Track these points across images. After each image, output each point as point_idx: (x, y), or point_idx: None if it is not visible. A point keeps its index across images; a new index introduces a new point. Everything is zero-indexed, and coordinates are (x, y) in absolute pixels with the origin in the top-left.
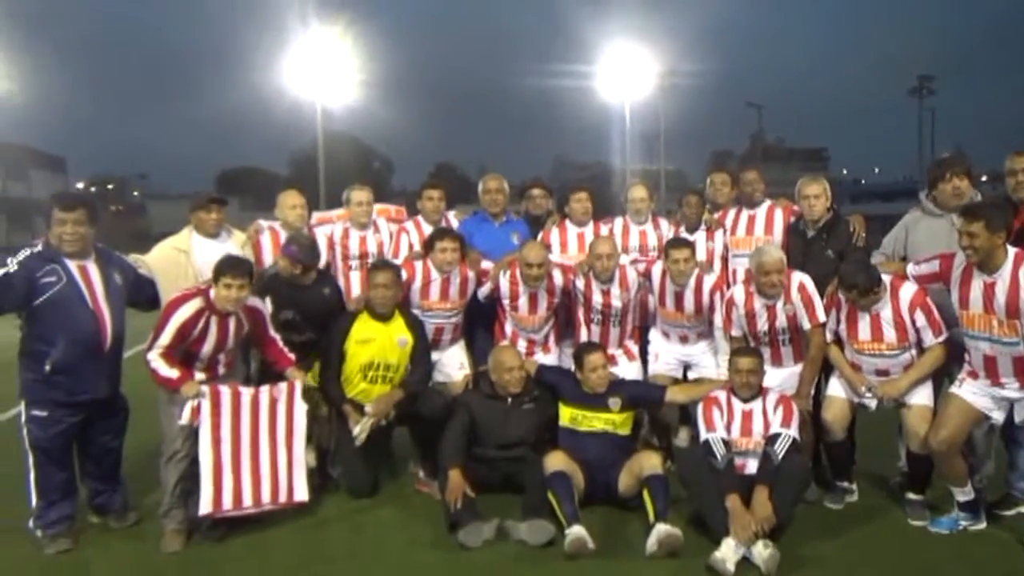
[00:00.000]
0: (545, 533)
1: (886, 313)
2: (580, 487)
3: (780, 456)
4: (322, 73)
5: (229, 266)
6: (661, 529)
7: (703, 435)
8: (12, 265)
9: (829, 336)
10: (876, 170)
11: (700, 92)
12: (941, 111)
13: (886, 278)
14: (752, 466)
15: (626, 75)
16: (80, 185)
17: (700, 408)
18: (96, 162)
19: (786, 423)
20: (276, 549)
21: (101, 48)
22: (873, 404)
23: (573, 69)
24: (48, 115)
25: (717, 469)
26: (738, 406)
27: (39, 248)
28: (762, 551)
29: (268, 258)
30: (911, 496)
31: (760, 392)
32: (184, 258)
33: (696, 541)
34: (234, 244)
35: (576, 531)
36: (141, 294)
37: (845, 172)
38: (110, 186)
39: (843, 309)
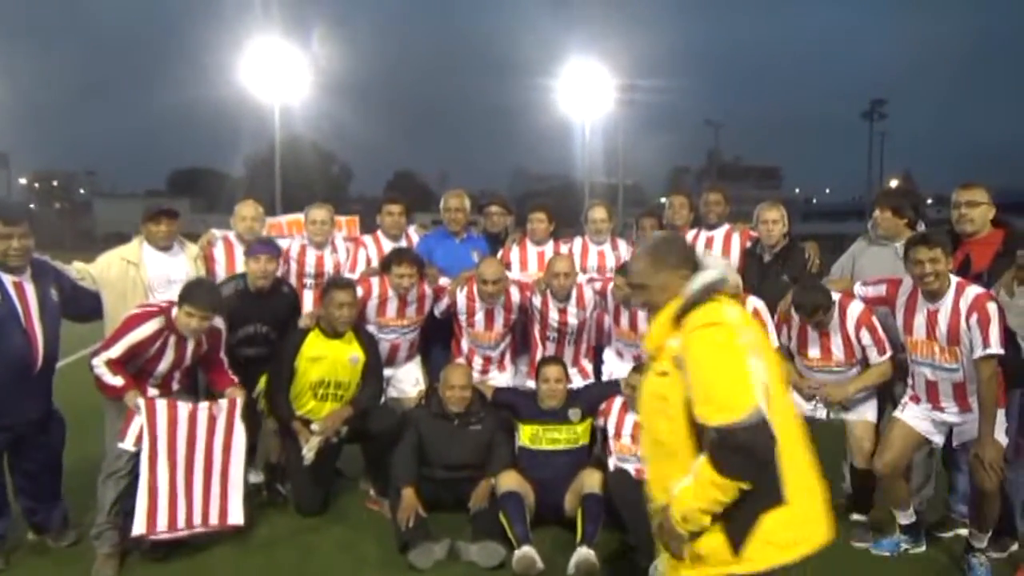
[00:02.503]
0: (496, 556)
1: (835, 331)
2: (532, 507)
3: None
4: (281, 75)
5: (194, 296)
6: (580, 553)
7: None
8: None
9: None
10: (827, 190)
11: (659, 108)
12: (892, 133)
13: (835, 297)
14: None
15: (586, 89)
16: (23, 181)
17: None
18: (40, 157)
19: None
20: (221, 569)
21: (49, 37)
22: (822, 414)
23: (534, 81)
24: None
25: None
26: (631, 417)
27: None
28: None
29: (221, 270)
30: (855, 517)
31: None
32: (134, 271)
33: (631, 562)
34: (186, 257)
35: (525, 551)
36: (78, 307)
37: (798, 191)
38: (55, 182)
39: (794, 327)
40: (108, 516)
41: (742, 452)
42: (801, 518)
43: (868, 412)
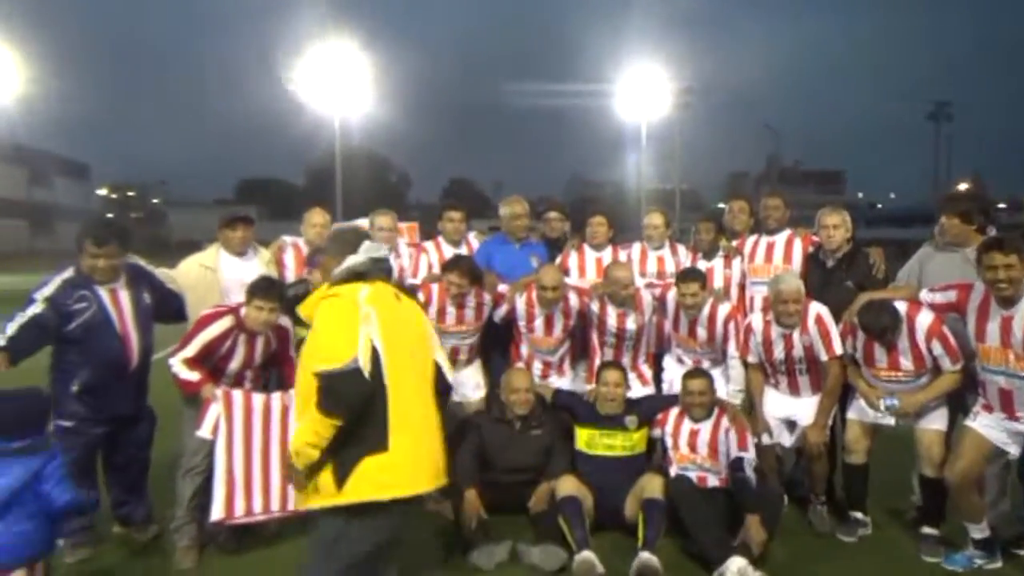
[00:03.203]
0: (557, 559)
1: (903, 342)
2: (591, 512)
3: (753, 479)
4: (341, 85)
5: (261, 289)
6: (642, 558)
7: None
8: (39, 304)
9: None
10: (892, 195)
11: (718, 112)
12: (959, 137)
13: (901, 308)
14: (711, 480)
15: (643, 94)
16: (102, 192)
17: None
18: (118, 169)
19: (742, 446)
20: (290, 564)
21: (126, 57)
22: (891, 421)
23: (590, 88)
24: (72, 122)
25: (705, 495)
26: (687, 424)
27: (69, 274)
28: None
29: (291, 275)
30: (926, 530)
31: (711, 413)
32: (211, 275)
33: (691, 566)
34: (259, 262)
35: (585, 555)
36: (168, 309)
37: (861, 196)
38: (131, 193)
39: (859, 338)
40: (187, 510)
41: (335, 394)
42: (400, 465)
43: (938, 420)
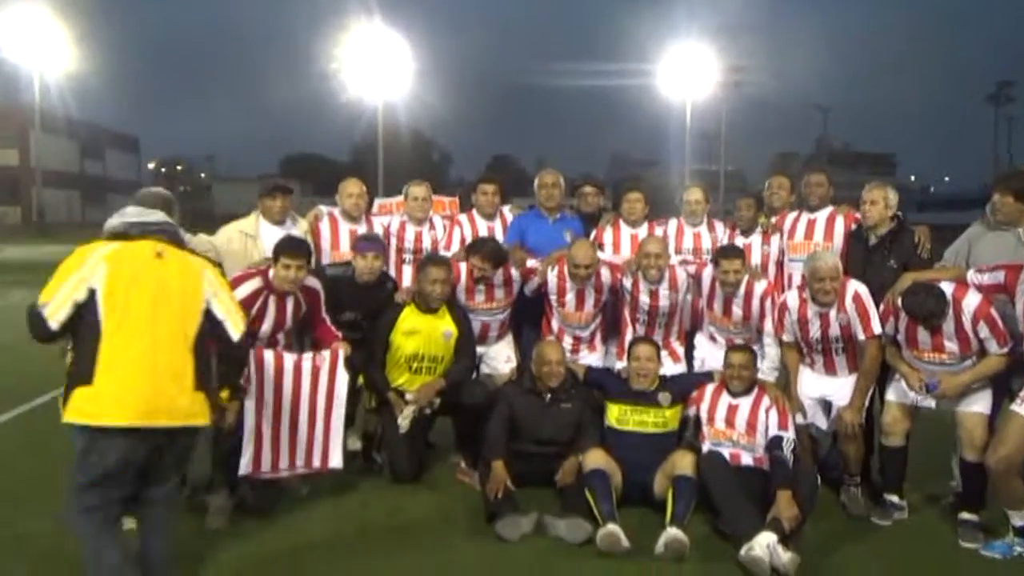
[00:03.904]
0: (583, 532)
1: (948, 325)
2: (618, 486)
3: (791, 460)
4: (384, 66)
5: (288, 246)
6: (670, 533)
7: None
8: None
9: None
10: (946, 178)
11: (764, 91)
12: (1021, 117)
13: (948, 290)
14: (745, 458)
15: (689, 73)
16: (151, 165)
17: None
18: (167, 144)
19: (783, 426)
20: (320, 525)
21: (174, 33)
22: (932, 403)
23: (635, 67)
24: (124, 97)
25: (739, 473)
26: (725, 399)
27: None
28: (782, 555)
29: (326, 244)
30: (964, 516)
31: (751, 389)
32: (251, 243)
33: (720, 544)
34: (298, 231)
35: (610, 528)
36: None
37: (913, 179)
38: (179, 167)
39: (902, 320)
40: (218, 471)
41: (29, 323)
42: (102, 398)
43: (981, 403)
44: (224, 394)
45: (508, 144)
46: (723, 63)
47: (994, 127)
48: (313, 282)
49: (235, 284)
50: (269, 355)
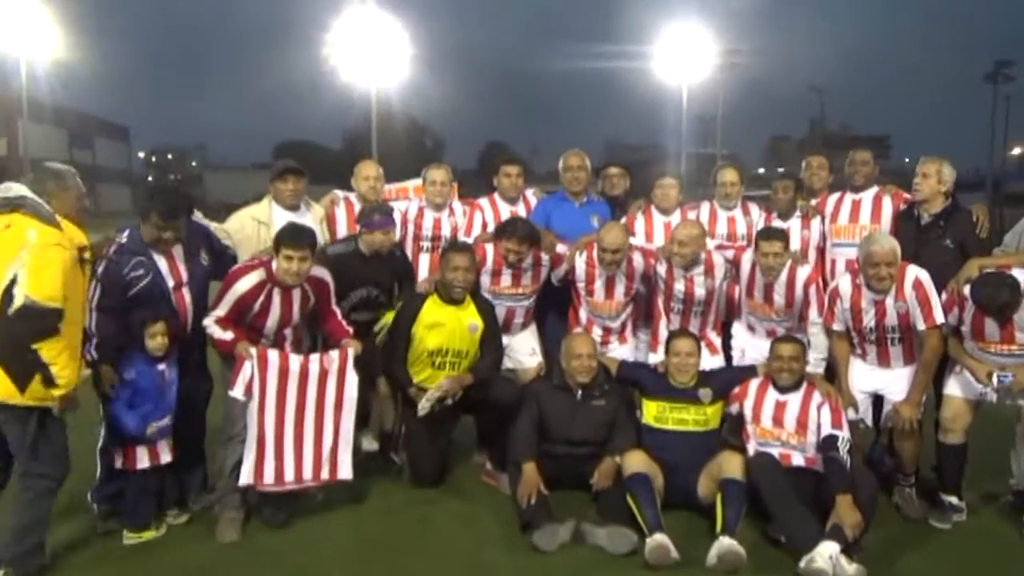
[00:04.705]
0: (627, 542)
1: (1020, 315)
2: (660, 490)
3: (847, 461)
4: (377, 52)
5: (289, 236)
6: (723, 543)
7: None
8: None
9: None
10: None
11: (761, 73)
12: (1018, 98)
13: (1020, 277)
14: (796, 458)
15: (684, 56)
16: (142, 155)
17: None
18: (157, 132)
19: (837, 425)
20: (339, 538)
21: (165, 20)
22: (994, 398)
23: (629, 49)
24: (113, 85)
25: (790, 475)
26: (772, 395)
27: (124, 240)
28: (847, 567)
29: (343, 231)
30: None
31: (800, 384)
32: (264, 230)
33: (775, 553)
34: (312, 218)
35: (659, 539)
36: (224, 267)
37: (908, 161)
38: (170, 156)
39: (967, 310)
40: (229, 480)
41: None
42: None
43: None
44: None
45: (501, 131)
46: (720, 45)
47: (991, 107)
48: (321, 272)
49: (235, 277)
50: (274, 355)
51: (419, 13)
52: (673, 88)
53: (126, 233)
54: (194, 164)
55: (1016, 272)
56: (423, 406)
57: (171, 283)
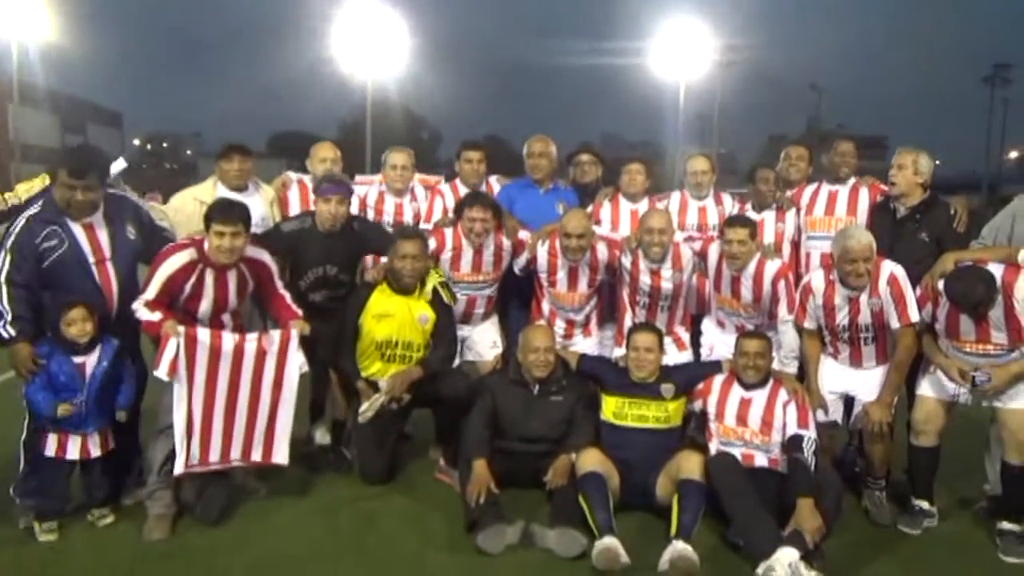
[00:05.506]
0: (576, 545)
1: (996, 312)
2: (616, 490)
3: (812, 463)
4: (374, 40)
5: (220, 211)
6: (676, 548)
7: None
8: (6, 260)
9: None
10: (938, 162)
11: (759, 72)
12: (1016, 101)
13: (997, 272)
14: (759, 459)
15: (682, 52)
16: (136, 142)
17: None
18: (152, 119)
19: (803, 424)
20: (275, 537)
21: (160, 6)
22: (969, 400)
23: (627, 45)
24: (107, 71)
25: (752, 476)
26: (737, 392)
27: (37, 210)
28: (804, 573)
29: (295, 212)
30: (1005, 526)
31: (766, 382)
32: (204, 210)
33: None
34: (261, 199)
35: (608, 542)
36: (158, 248)
37: None
38: (165, 144)
39: (942, 307)
40: (159, 475)
41: None
42: None
43: None
44: None
45: (498, 124)
46: (718, 42)
47: (989, 110)
48: (258, 253)
49: (165, 255)
50: (204, 334)
51: (418, 5)
52: (671, 85)
53: (38, 203)
54: (189, 152)
55: (993, 267)
56: (364, 414)
57: (92, 258)
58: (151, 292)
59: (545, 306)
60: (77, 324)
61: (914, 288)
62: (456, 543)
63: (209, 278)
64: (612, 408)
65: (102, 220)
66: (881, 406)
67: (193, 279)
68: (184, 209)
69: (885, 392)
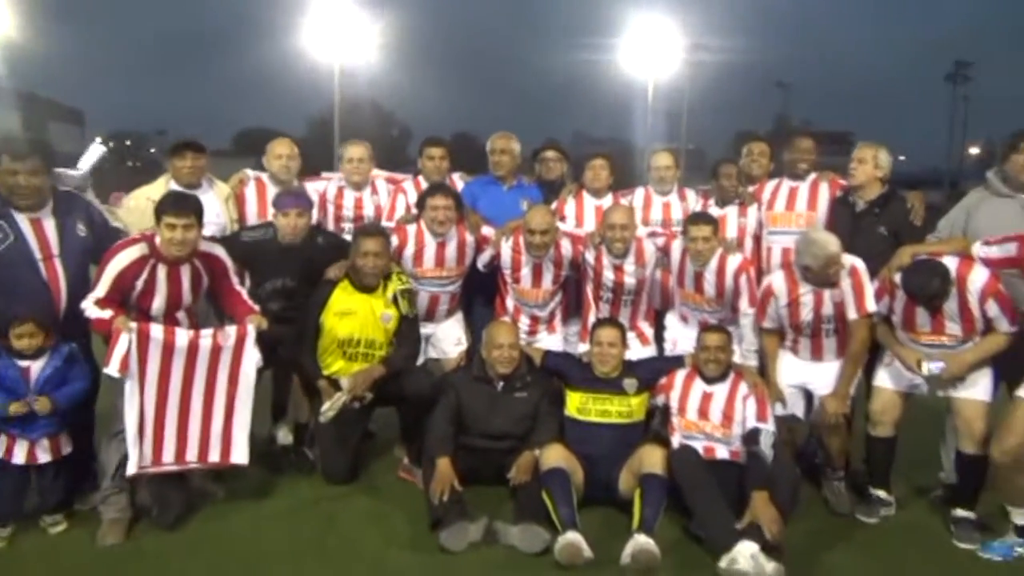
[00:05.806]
0: (539, 540)
1: (951, 304)
2: (580, 486)
3: (769, 456)
4: (342, 36)
5: (170, 203)
6: (638, 542)
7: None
8: None
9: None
10: (902, 157)
11: (727, 69)
12: (977, 100)
13: (952, 265)
14: (720, 451)
15: (651, 50)
16: (98, 139)
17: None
18: (115, 117)
19: (761, 417)
20: (235, 540)
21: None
22: (926, 388)
23: (596, 42)
24: (67, 68)
25: (713, 469)
26: (699, 386)
27: None
28: (765, 565)
29: (252, 210)
30: (959, 513)
31: (726, 375)
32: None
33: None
34: (216, 197)
35: (570, 537)
36: (108, 243)
37: None
38: (128, 142)
39: (898, 299)
40: (114, 479)
41: None
42: None
43: (981, 389)
44: None
45: (469, 122)
46: (686, 40)
47: (951, 107)
48: (212, 248)
49: (115, 251)
50: (157, 330)
51: (388, 1)
52: (640, 82)
53: None
54: (153, 151)
55: (948, 260)
56: (326, 414)
57: (39, 253)
58: (101, 289)
59: (509, 302)
60: (24, 339)
61: (872, 281)
62: (419, 542)
63: (161, 273)
64: (576, 403)
65: (50, 215)
66: (837, 398)
67: (145, 275)
68: (137, 208)
69: (841, 384)
